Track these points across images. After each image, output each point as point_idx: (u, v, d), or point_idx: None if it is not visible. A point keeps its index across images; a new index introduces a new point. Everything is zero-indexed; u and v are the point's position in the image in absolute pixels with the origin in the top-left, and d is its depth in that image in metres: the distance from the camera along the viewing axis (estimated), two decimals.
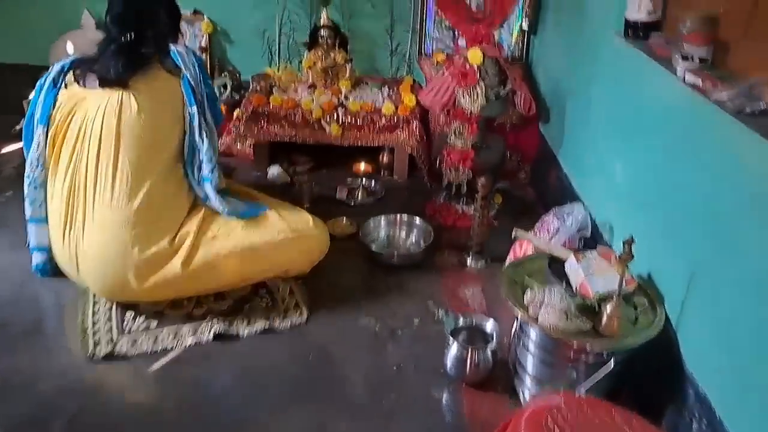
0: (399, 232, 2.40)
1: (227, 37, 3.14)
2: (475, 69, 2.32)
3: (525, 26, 2.91)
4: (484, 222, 2.25)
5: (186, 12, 3.05)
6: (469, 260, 2.27)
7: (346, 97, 2.82)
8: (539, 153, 2.79)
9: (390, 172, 2.92)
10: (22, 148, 1.99)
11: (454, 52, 2.95)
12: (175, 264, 1.80)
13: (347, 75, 2.85)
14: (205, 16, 3.05)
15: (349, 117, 2.75)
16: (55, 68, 1.88)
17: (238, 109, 2.83)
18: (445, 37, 3.02)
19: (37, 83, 1.88)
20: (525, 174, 2.87)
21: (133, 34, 1.79)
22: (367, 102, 2.81)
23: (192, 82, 1.85)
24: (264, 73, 2.89)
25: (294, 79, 2.91)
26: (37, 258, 2.00)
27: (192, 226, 1.86)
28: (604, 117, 2.07)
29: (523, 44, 2.99)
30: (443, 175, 2.53)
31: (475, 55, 2.31)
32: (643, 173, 1.75)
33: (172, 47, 1.90)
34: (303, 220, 2.03)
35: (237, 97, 3.03)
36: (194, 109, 1.85)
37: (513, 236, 1.94)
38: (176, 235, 1.84)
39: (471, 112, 2.36)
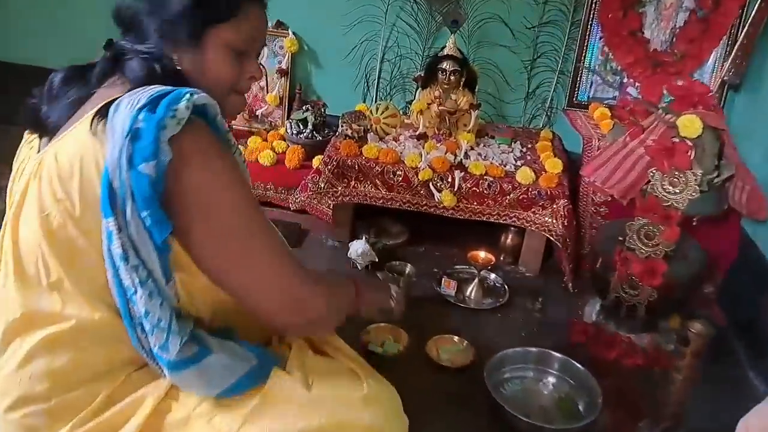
0: (543, 381, 1.58)
1: (315, 59, 2.43)
2: (689, 146, 1.50)
3: (730, 77, 2.06)
4: (689, 388, 1.42)
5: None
6: None
7: (466, 155, 2.05)
8: (740, 262, 1.92)
9: (514, 259, 2.13)
10: None
11: (620, 104, 2.14)
12: None
13: (471, 125, 2.08)
14: (290, 31, 2.36)
15: (468, 182, 1.98)
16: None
17: (319, 156, 2.11)
18: (608, 82, 2.21)
19: None
20: (713, 288, 2.00)
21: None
22: (494, 164, 2.03)
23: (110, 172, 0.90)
24: (357, 111, 2.16)
25: (397, 123, 2.16)
26: None
27: (145, 396, 1.00)
28: None
29: (720, 101, 2.14)
30: (605, 284, 1.72)
31: (691, 125, 1.49)
32: None
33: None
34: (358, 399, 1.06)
35: (319, 137, 2.31)
36: (110, 223, 0.91)
37: None
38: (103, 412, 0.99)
39: (673, 206, 1.54)
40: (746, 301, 1.84)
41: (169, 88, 0.92)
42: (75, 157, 0.93)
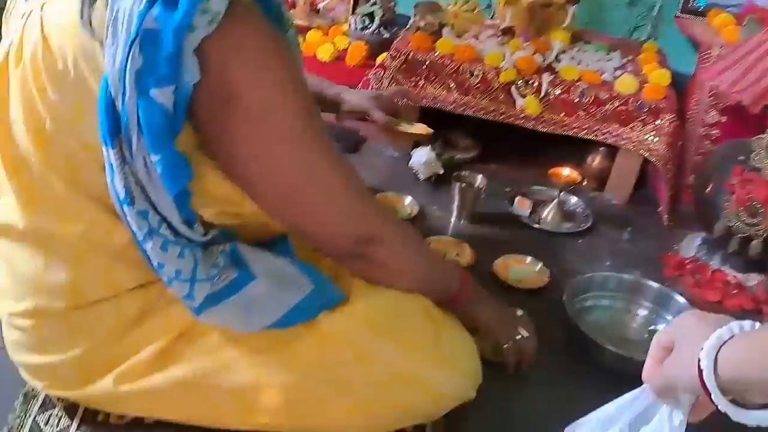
0: (634, 312, 1.33)
1: None
2: None
3: None
4: None
5: None
6: None
7: (557, 58, 1.76)
8: None
9: (600, 185, 1.85)
10: None
11: (745, 10, 1.79)
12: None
13: (567, 22, 1.78)
14: None
15: (558, 88, 1.70)
16: None
17: (384, 54, 1.86)
18: None
19: None
20: None
21: None
22: (590, 70, 1.74)
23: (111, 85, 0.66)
24: (434, 3, 1.89)
25: (479, 19, 1.89)
26: None
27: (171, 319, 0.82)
28: None
29: None
30: (714, 213, 1.44)
31: None
32: None
33: None
34: (426, 347, 0.87)
35: (387, 34, 2.06)
36: (111, 154, 0.69)
37: None
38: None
39: None
40: None
41: None
42: (66, 45, 0.67)
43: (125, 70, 0.62)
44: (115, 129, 0.66)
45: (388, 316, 0.85)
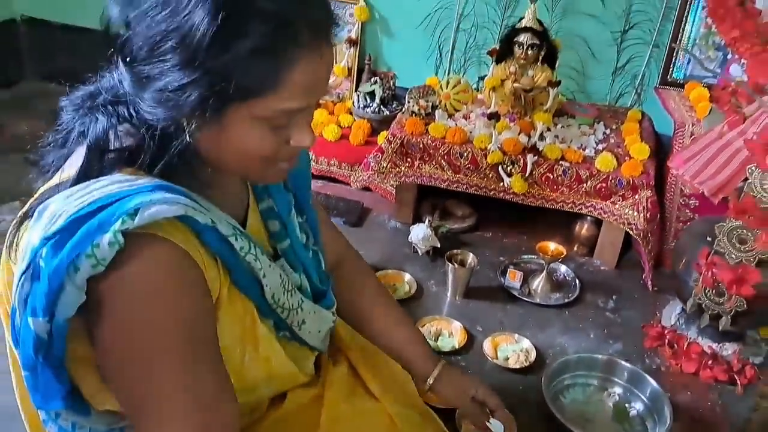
0: (608, 390, 1.46)
1: (386, 28, 2.32)
2: None
3: None
4: None
5: None
6: None
7: (542, 137, 1.89)
8: None
9: (589, 251, 1.97)
10: None
11: (720, 84, 1.89)
12: None
13: (548, 105, 1.91)
14: None
15: (541, 167, 1.84)
16: None
17: (385, 132, 2.02)
18: (709, 59, 1.96)
19: None
20: None
21: None
22: (572, 148, 1.87)
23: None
24: (426, 86, 2.04)
25: (469, 100, 2.03)
26: None
27: None
28: None
29: None
30: (686, 288, 1.55)
31: None
32: None
33: None
34: None
35: (387, 111, 2.22)
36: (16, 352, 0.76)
37: None
38: None
39: None
40: None
41: (111, 195, 0.67)
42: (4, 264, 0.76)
43: (17, 292, 0.68)
44: (15, 335, 0.72)
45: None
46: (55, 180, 0.76)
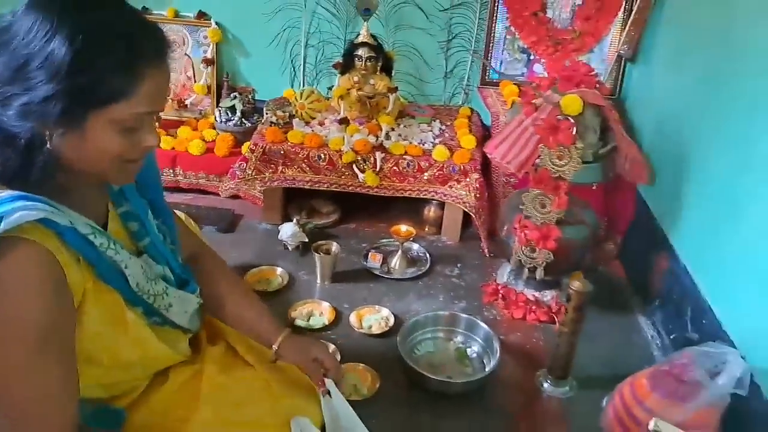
0: (452, 340, 1.76)
1: (240, 47, 2.51)
2: (571, 123, 1.66)
3: (625, 51, 2.22)
4: (573, 339, 1.60)
5: (189, 15, 2.44)
6: (546, 385, 1.63)
7: (387, 137, 2.18)
8: (636, 221, 2.12)
9: (437, 229, 2.29)
10: None
11: (528, 81, 2.29)
12: None
13: (389, 108, 2.20)
14: (212, 21, 2.43)
15: (389, 162, 2.12)
16: None
17: (248, 143, 2.21)
18: (516, 61, 2.35)
19: None
20: (614, 246, 2.20)
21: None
22: (413, 144, 2.17)
23: None
24: (282, 98, 2.26)
25: (322, 108, 2.28)
26: None
27: None
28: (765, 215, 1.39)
29: (618, 72, 2.31)
30: (511, 250, 1.89)
31: (572, 104, 1.65)
32: None
33: None
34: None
35: (249, 123, 2.41)
36: None
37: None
38: None
39: (560, 177, 1.70)
40: (640, 257, 2.04)
41: None
42: None
43: None
44: None
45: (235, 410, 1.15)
46: None
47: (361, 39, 2.13)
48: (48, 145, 0.86)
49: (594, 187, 2.00)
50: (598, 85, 1.74)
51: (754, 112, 1.46)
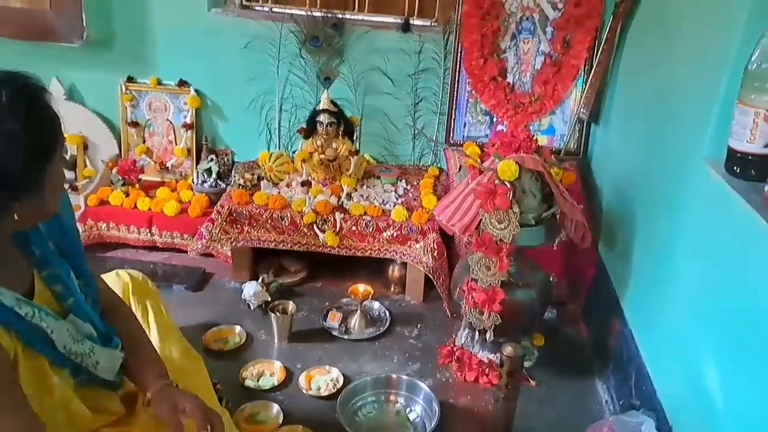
0: (394, 402, 1.76)
1: (218, 112, 2.63)
2: (507, 188, 1.69)
3: (583, 115, 2.26)
4: (509, 404, 1.59)
5: (171, 83, 2.58)
6: None
7: (349, 197, 2.23)
8: (596, 282, 2.11)
9: (402, 288, 2.31)
10: None
11: (491, 141, 2.33)
12: None
13: (351, 170, 2.27)
14: (191, 89, 2.56)
15: (349, 222, 2.17)
16: None
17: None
18: (479, 122, 2.41)
19: None
20: (576, 306, 2.19)
21: None
22: (373, 204, 2.22)
23: None
24: (251, 162, 2.35)
25: (290, 170, 2.35)
26: None
27: None
28: (693, 286, 1.39)
29: (581, 133, 2.34)
30: (462, 311, 1.90)
31: (507, 169, 1.68)
32: (757, 400, 1.07)
33: None
34: None
35: (224, 185, 2.50)
36: None
37: None
38: None
39: (501, 240, 1.72)
40: (599, 319, 2.02)
41: None
42: None
43: None
44: None
45: None
46: None
47: (322, 106, 2.22)
48: None
49: (554, 248, 2.00)
50: (539, 150, 1.78)
51: (686, 175, 1.47)
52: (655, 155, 1.71)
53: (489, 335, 1.84)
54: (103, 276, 1.42)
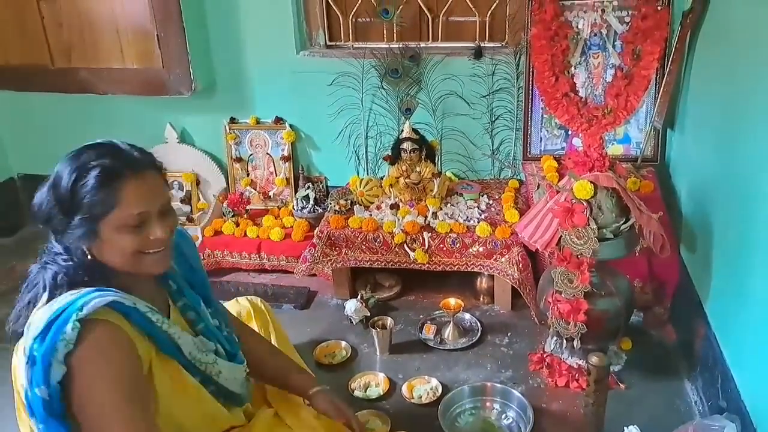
0: (490, 408, 1.92)
1: (312, 143, 2.88)
2: (584, 206, 1.81)
3: (657, 123, 2.32)
4: (598, 410, 1.72)
5: (268, 120, 2.86)
6: None
7: (435, 216, 2.41)
8: (680, 285, 2.17)
9: (491, 298, 2.46)
10: None
11: (567, 155, 2.44)
12: None
13: (435, 191, 2.45)
14: (287, 124, 2.83)
15: (436, 240, 2.35)
16: None
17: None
18: (555, 136, 2.51)
19: None
20: (663, 310, 2.26)
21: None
22: (458, 221, 2.38)
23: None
24: (344, 188, 2.57)
25: (379, 193, 2.56)
26: None
27: None
28: None
29: (657, 140, 2.40)
30: (550, 320, 2.03)
31: (582, 189, 1.80)
32: None
33: None
34: None
35: (321, 209, 2.74)
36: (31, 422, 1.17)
37: None
38: None
39: (581, 255, 1.84)
40: (686, 322, 2.09)
41: (66, 303, 1.10)
42: (17, 365, 1.17)
43: (24, 377, 1.10)
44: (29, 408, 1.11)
45: None
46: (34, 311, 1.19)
47: (404, 134, 2.41)
48: (89, 256, 1.19)
49: (636, 254, 2.09)
50: (612, 167, 1.88)
51: (763, 179, 1.52)
52: (731, 161, 1.76)
53: (576, 343, 1.97)
54: (224, 303, 1.66)
